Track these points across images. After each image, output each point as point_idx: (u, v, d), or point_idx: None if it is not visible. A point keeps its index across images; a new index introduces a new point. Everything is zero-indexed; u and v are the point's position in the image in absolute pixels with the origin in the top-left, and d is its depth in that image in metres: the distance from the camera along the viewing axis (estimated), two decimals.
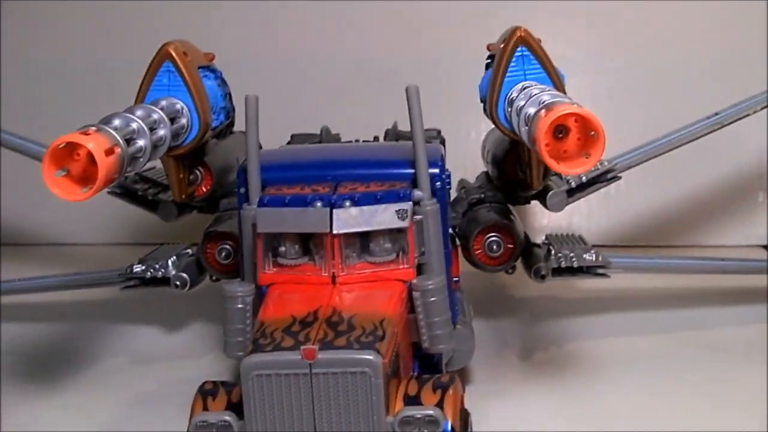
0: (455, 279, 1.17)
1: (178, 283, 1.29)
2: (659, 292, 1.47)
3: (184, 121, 1.16)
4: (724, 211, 1.69)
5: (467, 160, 1.53)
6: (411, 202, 1.02)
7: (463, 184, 1.41)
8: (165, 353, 1.34)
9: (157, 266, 1.31)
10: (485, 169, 1.43)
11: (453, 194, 1.31)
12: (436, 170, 1.08)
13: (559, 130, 0.99)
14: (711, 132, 1.37)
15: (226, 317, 1.00)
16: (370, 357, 0.87)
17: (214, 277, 1.31)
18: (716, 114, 1.38)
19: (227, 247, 1.28)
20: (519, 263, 1.32)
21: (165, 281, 1.30)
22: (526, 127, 1.05)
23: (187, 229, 1.42)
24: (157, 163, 1.30)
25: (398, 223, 1.00)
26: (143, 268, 1.31)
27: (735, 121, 1.37)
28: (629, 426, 1.09)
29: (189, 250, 1.34)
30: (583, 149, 0.99)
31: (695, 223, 1.69)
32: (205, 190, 1.27)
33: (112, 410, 1.18)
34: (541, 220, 1.64)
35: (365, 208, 1.00)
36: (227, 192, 1.31)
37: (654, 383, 1.19)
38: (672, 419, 1.10)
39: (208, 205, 1.33)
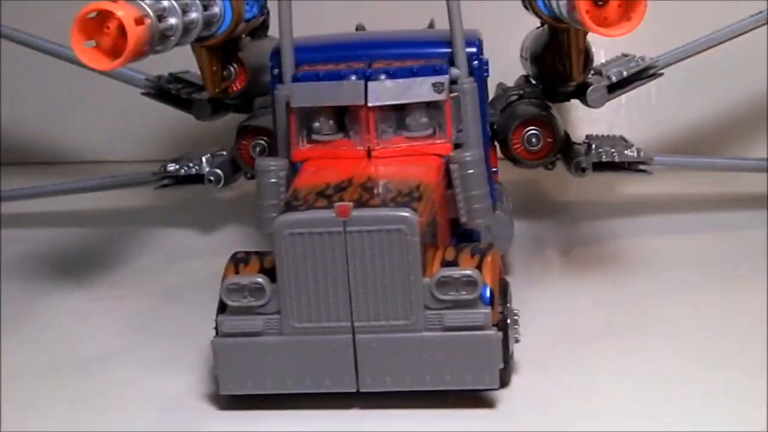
0: (494, 169, 1.14)
1: (212, 178, 1.27)
2: (699, 197, 1.45)
3: (216, 9, 1.14)
4: None
5: (507, 68, 1.49)
6: (448, 76, 0.99)
7: (502, 86, 1.38)
8: (198, 252, 1.33)
9: (191, 164, 1.29)
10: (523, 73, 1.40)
11: (491, 94, 1.28)
12: (474, 49, 1.06)
13: None
14: (755, 28, 1.33)
15: (258, 192, 0.98)
16: (406, 214, 0.85)
17: (248, 175, 1.29)
18: (760, 12, 1.34)
19: (261, 142, 1.26)
20: (557, 167, 1.29)
21: (199, 179, 1.28)
22: (564, 0, 1.02)
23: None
24: (192, 67, 1.29)
25: (435, 96, 0.98)
26: (177, 166, 1.29)
27: None
28: (669, 314, 1.07)
29: (224, 152, 1.32)
30: (625, 15, 0.96)
31: (741, 135, 1.64)
32: (239, 86, 1.25)
33: (143, 300, 1.18)
34: (581, 131, 1.60)
35: (401, 80, 0.98)
36: (261, 92, 1.29)
37: (692, 277, 1.17)
38: (704, 306, 1.09)
39: (243, 105, 1.31)
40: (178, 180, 1.30)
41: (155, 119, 1.71)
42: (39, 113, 1.81)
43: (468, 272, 0.86)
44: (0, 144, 1.79)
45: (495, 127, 1.25)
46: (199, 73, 1.24)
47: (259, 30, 1.32)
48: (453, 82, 1.01)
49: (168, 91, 1.33)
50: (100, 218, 1.48)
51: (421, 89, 0.98)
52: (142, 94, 1.36)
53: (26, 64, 1.71)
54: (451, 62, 1.03)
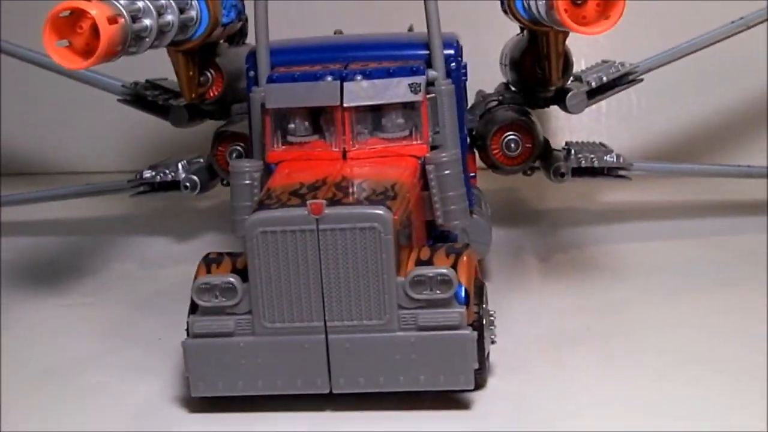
0: (472, 175, 1.13)
1: (188, 184, 1.26)
2: (677, 204, 1.45)
3: (193, 13, 1.13)
4: (752, 130, 1.64)
5: (486, 80, 1.49)
6: (425, 77, 0.98)
7: (481, 93, 1.38)
8: (174, 260, 1.31)
9: (167, 171, 1.28)
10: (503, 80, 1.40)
11: (471, 101, 1.28)
12: (451, 51, 1.05)
13: None
14: (736, 33, 1.32)
15: (233, 194, 0.97)
16: (380, 212, 0.84)
17: (225, 181, 1.28)
18: (741, 18, 1.33)
19: (238, 148, 1.25)
20: (537, 175, 1.29)
21: (175, 185, 1.27)
22: (543, 0, 1.02)
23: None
24: (169, 75, 1.28)
25: (411, 97, 0.97)
26: (153, 173, 1.28)
27: (762, 22, 1.32)
28: (647, 318, 1.07)
29: (201, 159, 1.31)
30: (603, 14, 0.96)
31: (720, 144, 1.64)
32: (216, 92, 1.24)
33: (117, 307, 1.16)
34: (561, 140, 1.60)
35: (377, 81, 0.97)
36: (239, 98, 1.28)
37: (670, 282, 1.16)
38: (682, 311, 1.08)
39: (219, 111, 1.30)
40: (154, 187, 1.29)
41: (135, 130, 1.70)
42: (19, 125, 1.80)
43: (443, 271, 0.85)
44: None
45: (474, 133, 1.25)
46: (176, 79, 1.23)
47: (237, 37, 1.31)
48: (430, 83, 1.00)
49: (144, 97, 1.32)
50: (76, 227, 1.47)
51: (397, 90, 0.97)
52: (119, 100, 1.35)
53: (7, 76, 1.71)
54: (429, 64, 1.02)
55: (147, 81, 1.34)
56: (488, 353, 0.91)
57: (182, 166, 1.27)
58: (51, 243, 1.41)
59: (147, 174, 1.28)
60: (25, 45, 1.38)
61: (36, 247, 1.39)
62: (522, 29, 1.27)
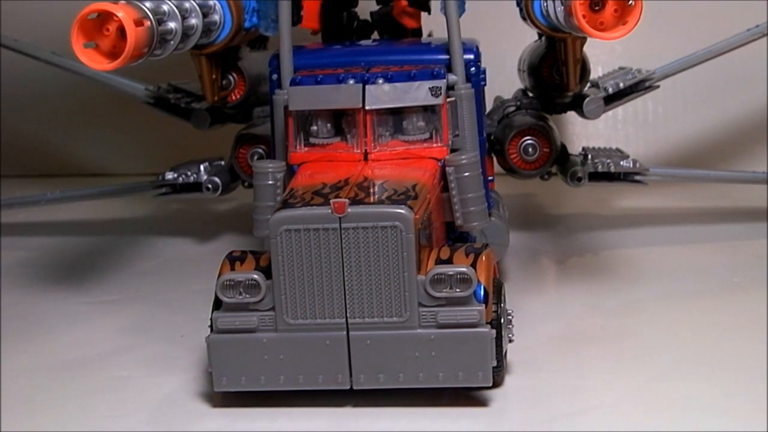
0: (490, 178, 1.15)
1: (209, 186, 1.28)
2: (692, 210, 1.46)
3: (216, 17, 1.15)
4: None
5: (504, 87, 1.51)
6: (445, 80, 1.00)
7: (499, 99, 1.39)
8: (195, 260, 1.33)
9: (188, 173, 1.30)
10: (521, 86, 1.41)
11: (489, 107, 1.29)
12: (471, 56, 1.07)
13: (596, 3, 0.98)
14: (753, 41, 1.34)
15: (255, 194, 0.99)
16: (402, 211, 0.86)
17: (246, 183, 1.30)
18: (757, 26, 1.35)
19: (260, 150, 1.27)
20: (554, 181, 1.31)
21: (197, 187, 1.29)
22: (562, 7, 1.03)
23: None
24: (191, 78, 1.30)
25: (432, 100, 0.99)
26: (175, 175, 1.30)
27: None
28: (661, 320, 1.08)
29: (222, 162, 1.33)
30: (621, 19, 0.98)
31: (737, 151, 1.65)
32: (238, 95, 1.26)
33: (140, 306, 1.18)
34: (578, 148, 1.62)
35: (398, 84, 0.99)
36: (260, 102, 1.30)
37: (684, 285, 1.18)
38: (695, 313, 1.10)
39: (241, 115, 1.32)
40: (176, 188, 1.31)
41: (158, 133, 1.72)
42: (39, 125, 1.82)
43: (462, 269, 0.86)
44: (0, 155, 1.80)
45: (492, 137, 1.26)
46: (198, 83, 1.25)
47: (259, 41, 1.33)
48: (450, 87, 1.02)
49: (167, 100, 1.34)
50: (100, 227, 1.49)
51: (418, 93, 0.98)
52: (142, 102, 1.37)
53: (25, 76, 1.73)
54: (449, 68, 1.04)
55: (169, 84, 1.36)
56: (506, 351, 0.93)
57: (204, 168, 1.29)
58: (75, 242, 1.43)
59: (169, 176, 1.30)
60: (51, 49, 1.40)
61: (61, 246, 1.41)
62: (540, 36, 1.28)
